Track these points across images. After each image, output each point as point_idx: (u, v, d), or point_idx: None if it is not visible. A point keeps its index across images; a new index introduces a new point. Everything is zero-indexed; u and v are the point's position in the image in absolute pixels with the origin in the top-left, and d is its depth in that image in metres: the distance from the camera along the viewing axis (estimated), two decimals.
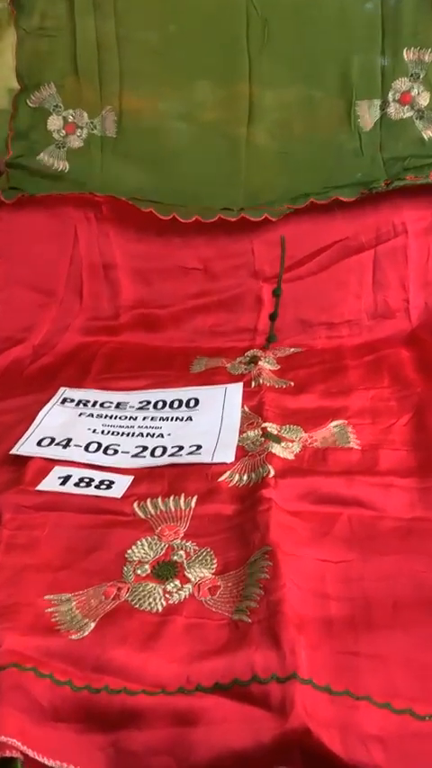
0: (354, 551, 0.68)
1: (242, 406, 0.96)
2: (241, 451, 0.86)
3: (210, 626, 0.62)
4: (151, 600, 0.65)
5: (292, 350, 1.15)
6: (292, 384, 1.03)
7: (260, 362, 1.08)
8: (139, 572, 0.69)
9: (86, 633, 0.60)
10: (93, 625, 0.61)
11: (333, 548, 0.69)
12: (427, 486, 0.76)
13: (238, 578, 0.66)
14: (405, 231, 1.18)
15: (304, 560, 0.68)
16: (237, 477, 0.81)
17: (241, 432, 0.90)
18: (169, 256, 1.21)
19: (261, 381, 1.02)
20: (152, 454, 0.87)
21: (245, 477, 0.81)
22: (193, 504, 0.77)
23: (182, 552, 0.71)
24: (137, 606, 0.64)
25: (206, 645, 0.59)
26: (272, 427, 0.90)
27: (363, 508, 0.74)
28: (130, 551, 0.71)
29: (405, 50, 1.20)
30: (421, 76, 1.21)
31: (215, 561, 0.69)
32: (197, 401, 0.98)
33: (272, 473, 0.80)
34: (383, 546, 0.69)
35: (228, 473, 0.82)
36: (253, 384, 1.02)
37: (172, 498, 0.78)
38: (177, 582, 0.67)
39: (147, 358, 1.14)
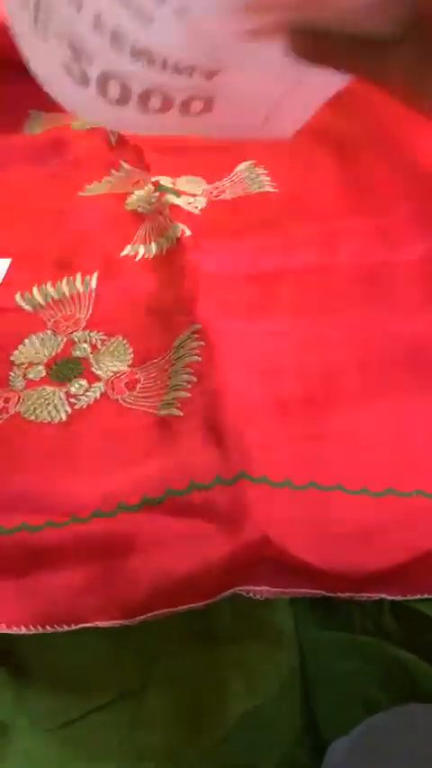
0: (307, 315, 0.53)
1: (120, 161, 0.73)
2: (136, 217, 0.65)
3: (131, 429, 0.47)
4: (51, 408, 0.50)
5: None
6: None
7: None
8: (31, 376, 0.52)
9: None
10: None
11: (281, 315, 0.54)
12: (382, 224, 0.60)
13: (163, 366, 0.51)
14: None
15: (246, 335, 0.52)
16: (142, 249, 0.62)
17: (126, 195, 0.68)
18: None
19: None
20: None
21: (153, 247, 0.62)
22: (93, 284, 0.59)
23: (85, 345, 0.54)
24: (32, 418, 0.49)
25: (127, 453, 0.46)
26: (165, 180, 0.67)
27: (308, 262, 0.58)
28: (16, 353, 0.54)
29: None
30: None
31: (130, 351, 0.54)
32: None
33: (187, 232, 0.61)
34: (343, 301, 0.54)
35: (128, 247, 0.62)
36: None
37: (65, 280, 0.60)
38: (83, 381, 0.51)
39: None
